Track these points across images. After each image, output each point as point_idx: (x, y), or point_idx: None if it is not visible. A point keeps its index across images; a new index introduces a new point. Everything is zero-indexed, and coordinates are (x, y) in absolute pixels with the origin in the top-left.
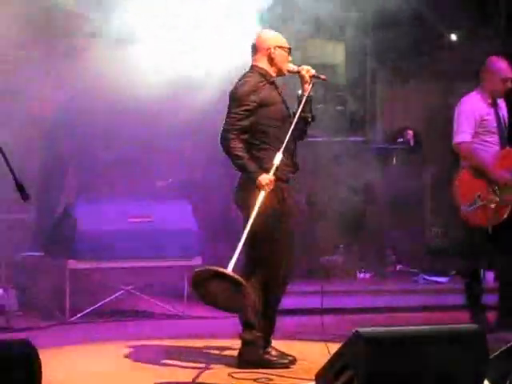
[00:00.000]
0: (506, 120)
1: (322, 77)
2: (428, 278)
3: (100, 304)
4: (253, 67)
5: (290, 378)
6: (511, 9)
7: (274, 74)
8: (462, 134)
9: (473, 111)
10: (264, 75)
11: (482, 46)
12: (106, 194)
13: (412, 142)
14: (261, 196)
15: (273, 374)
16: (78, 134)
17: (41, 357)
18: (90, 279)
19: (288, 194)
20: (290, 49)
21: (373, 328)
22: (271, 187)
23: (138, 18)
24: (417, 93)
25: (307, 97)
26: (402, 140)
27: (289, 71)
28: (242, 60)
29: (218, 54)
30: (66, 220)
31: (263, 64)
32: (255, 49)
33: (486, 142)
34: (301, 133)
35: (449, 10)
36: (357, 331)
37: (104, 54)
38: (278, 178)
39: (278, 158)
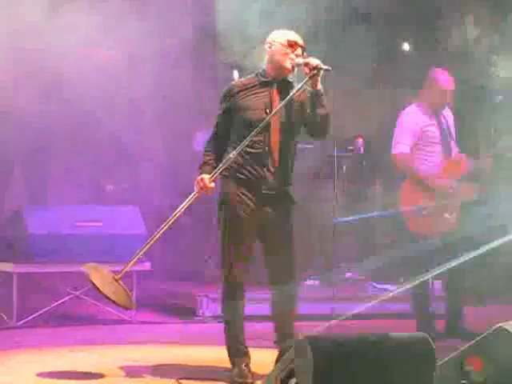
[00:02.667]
0: (452, 129)
1: (325, 67)
2: (377, 285)
3: (48, 308)
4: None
5: None
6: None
7: (272, 73)
8: (399, 145)
9: (412, 123)
10: (259, 76)
11: (433, 55)
12: (55, 198)
13: (362, 150)
14: (192, 196)
15: (220, 380)
16: (26, 138)
17: None
18: (38, 283)
19: (238, 197)
20: (296, 43)
21: (319, 335)
22: (201, 187)
23: None
24: (368, 101)
25: (311, 92)
26: (351, 148)
27: (293, 67)
28: None
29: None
30: (14, 224)
31: (265, 64)
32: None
33: (429, 152)
34: (310, 132)
35: (400, 20)
36: (302, 337)
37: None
38: (232, 180)
39: (226, 158)
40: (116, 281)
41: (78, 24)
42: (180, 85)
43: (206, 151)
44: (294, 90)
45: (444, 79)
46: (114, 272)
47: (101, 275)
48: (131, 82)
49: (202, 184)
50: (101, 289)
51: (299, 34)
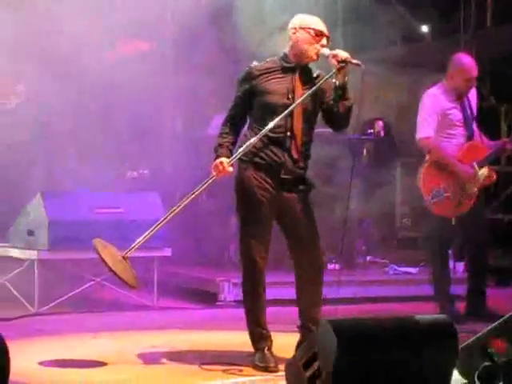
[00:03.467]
0: (474, 111)
1: (354, 61)
2: (398, 268)
3: (69, 295)
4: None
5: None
6: (480, 2)
7: (294, 59)
8: (424, 129)
9: (435, 106)
10: (281, 61)
11: (452, 38)
12: (75, 184)
13: (382, 133)
14: (209, 178)
15: (243, 365)
16: (45, 124)
17: (9, 348)
18: (59, 270)
19: (257, 181)
20: (322, 33)
21: (341, 318)
22: (220, 171)
23: None
24: (387, 84)
25: (336, 83)
26: (372, 131)
27: (318, 57)
28: None
29: None
30: (35, 210)
31: (287, 48)
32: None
33: (451, 134)
34: (331, 124)
35: (420, 3)
36: (325, 321)
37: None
38: (250, 164)
39: (248, 143)
40: (124, 259)
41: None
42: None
43: (221, 133)
44: (322, 81)
45: (469, 65)
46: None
47: (109, 252)
48: (150, 71)
49: (220, 168)
50: (110, 265)
51: (320, 17)
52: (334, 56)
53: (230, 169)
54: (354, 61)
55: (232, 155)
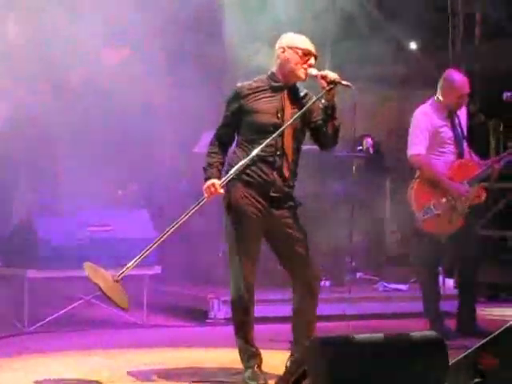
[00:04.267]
0: (464, 129)
1: (344, 83)
2: (388, 285)
3: (59, 313)
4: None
5: None
6: (469, 19)
7: (283, 79)
8: (416, 146)
9: (426, 123)
10: (269, 80)
11: (441, 55)
12: (65, 203)
13: (371, 150)
14: (201, 200)
15: (233, 383)
16: (33, 143)
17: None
18: (49, 289)
19: (246, 198)
20: (310, 52)
21: (331, 335)
22: (212, 192)
23: None
24: (377, 101)
25: (325, 104)
26: (361, 148)
27: (307, 76)
28: None
29: None
30: (25, 229)
31: (275, 67)
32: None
33: (442, 152)
34: (319, 143)
35: (408, 20)
36: (315, 338)
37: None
38: (240, 181)
39: (239, 164)
40: (116, 281)
41: (93, 21)
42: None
43: (210, 152)
44: (311, 102)
45: (461, 82)
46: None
47: (101, 276)
48: (138, 86)
49: (212, 189)
50: (103, 290)
51: (306, 34)
52: (323, 77)
53: (222, 190)
54: (344, 82)
55: (221, 174)
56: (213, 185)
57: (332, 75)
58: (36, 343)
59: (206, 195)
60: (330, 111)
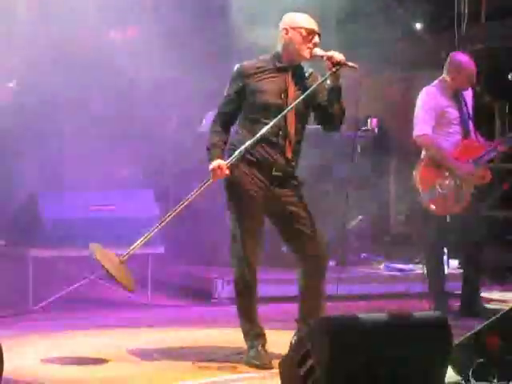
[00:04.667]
0: (470, 110)
1: (350, 64)
2: (391, 265)
3: (63, 292)
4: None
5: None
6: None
7: (287, 59)
8: (422, 126)
9: (433, 103)
10: (274, 60)
11: (445, 36)
12: (69, 182)
13: (376, 130)
14: (206, 181)
15: (237, 362)
16: (39, 122)
17: (3, 345)
18: (53, 268)
19: (248, 177)
20: (313, 31)
21: (334, 315)
22: (218, 174)
23: None
24: (381, 81)
25: (330, 85)
26: (366, 128)
27: (312, 56)
28: None
29: None
30: (29, 208)
31: (279, 47)
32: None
33: (448, 132)
34: (324, 124)
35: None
36: (319, 318)
37: None
38: (242, 160)
39: (244, 145)
40: (121, 263)
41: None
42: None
43: (213, 131)
44: (316, 84)
45: (468, 63)
46: (119, 254)
47: (107, 257)
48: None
49: (219, 172)
50: (110, 271)
51: (314, 15)
52: (329, 58)
53: (227, 172)
54: (350, 63)
55: (224, 154)
56: (219, 167)
57: (338, 56)
58: (40, 322)
59: (212, 177)
60: (335, 92)
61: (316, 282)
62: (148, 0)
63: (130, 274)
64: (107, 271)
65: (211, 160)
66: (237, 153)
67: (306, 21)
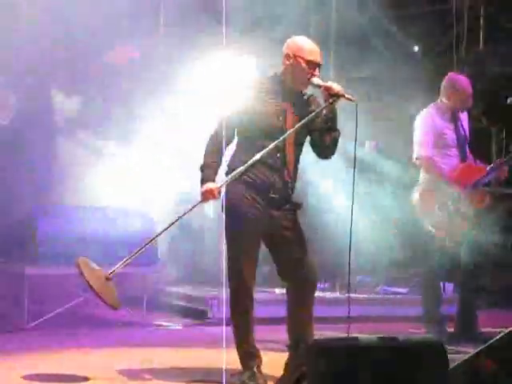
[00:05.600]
0: (467, 133)
1: (347, 96)
2: (388, 288)
3: (60, 310)
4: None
5: None
6: (473, 20)
7: (288, 84)
8: (422, 147)
9: (431, 125)
10: (274, 81)
11: (444, 58)
12: (66, 200)
13: (373, 153)
14: (197, 203)
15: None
16: (36, 137)
17: None
18: (49, 285)
19: (246, 199)
20: (316, 64)
21: (330, 338)
22: (208, 198)
23: None
24: (378, 104)
25: (326, 115)
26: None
27: (311, 85)
28: None
29: None
30: (25, 225)
31: (281, 70)
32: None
33: (447, 155)
34: (316, 151)
35: (409, 23)
36: (315, 340)
37: None
38: (239, 182)
39: (237, 170)
40: (108, 279)
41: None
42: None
43: (208, 152)
44: (313, 114)
45: (465, 83)
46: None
47: (93, 271)
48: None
49: (210, 196)
50: (91, 285)
51: (310, 37)
52: (327, 89)
53: (218, 195)
54: (347, 96)
55: (216, 175)
56: (210, 190)
57: (335, 87)
58: (35, 340)
59: (202, 198)
60: (330, 122)
61: (303, 305)
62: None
63: (115, 290)
64: (90, 286)
65: (203, 182)
66: (229, 178)
67: (310, 51)
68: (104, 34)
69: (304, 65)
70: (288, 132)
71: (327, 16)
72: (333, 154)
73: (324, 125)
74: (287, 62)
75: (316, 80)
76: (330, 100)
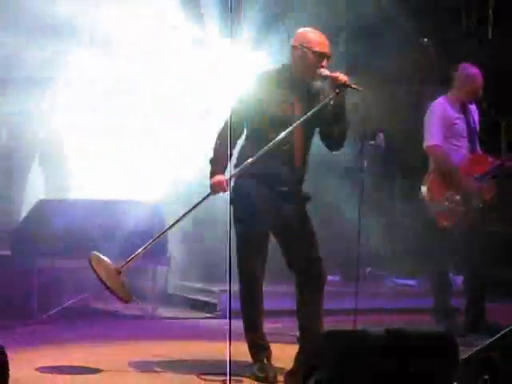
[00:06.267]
0: (477, 124)
1: (353, 86)
2: (398, 280)
3: (69, 303)
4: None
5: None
6: (482, 12)
7: (296, 74)
8: (433, 137)
9: (442, 115)
10: (284, 73)
11: (454, 51)
12: (77, 193)
13: (383, 145)
14: (206, 196)
15: (242, 375)
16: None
17: (8, 355)
18: (59, 278)
19: (255, 192)
20: (324, 55)
21: (340, 330)
22: (218, 190)
23: None
24: (389, 95)
25: (333, 106)
26: (373, 143)
27: (318, 76)
28: None
29: None
30: (35, 219)
31: (291, 61)
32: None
33: (455, 145)
34: (325, 141)
35: (419, 14)
36: (324, 333)
37: None
38: (248, 175)
39: (247, 162)
40: (118, 273)
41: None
42: None
43: (218, 144)
44: (320, 105)
45: (475, 75)
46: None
47: (104, 267)
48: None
49: (219, 188)
50: (104, 280)
51: (322, 31)
52: (334, 79)
53: (227, 188)
54: (353, 85)
55: (226, 169)
56: (219, 182)
57: (342, 78)
58: (45, 332)
59: (212, 190)
60: (337, 113)
61: (312, 298)
62: None
63: (126, 284)
64: (102, 281)
65: (212, 175)
66: (237, 170)
67: (319, 43)
68: None
69: (312, 56)
70: (295, 123)
71: (336, 9)
72: (342, 145)
73: (332, 116)
74: (295, 54)
75: (323, 71)
76: (337, 90)
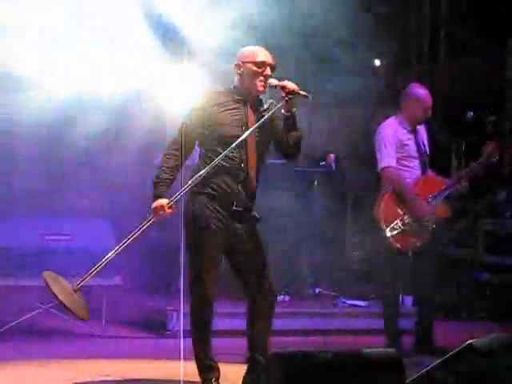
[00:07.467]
0: (426, 146)
1: (302, 93)
2: (347, 301)
3: (16, 322)
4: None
5: None
6: (433, 34)
7: (244, 93)
8: (387, 158)
9: (393, 136)
10: (233, 93)
11: (405, 72)
12: (24, 210)
13: (334, 166)
14: (149, 220)
15: None
16: None
17: None
18: (7, 297)
19: (209, 211)
20: (264, 63)
21: (289, 351)
22: (160, 214)
23: None
24: (339, 117)
25: (285, 114)
26: (323, 164)
27: (266, 87)
28: None
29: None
30: None
31: (236, 81)
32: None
33: (407, 167)
34: (282, 153)
35: (372, 37)
36: (273, 353)
37: None
38: (202, 194)
39: (197, 175)
40: (75, 291)
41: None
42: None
43: (163, 166)
44: (269, 113)
45: (425, 95)
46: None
47: (60, 285)
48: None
49: (161, 212)
50: (61, 299)
51: (269, 49)
52: (283, 87)
53: (169, 210)
54: (302, 92)
55: (169, 191)
56: (161, 206)
57: (290, 85)
58: None
59: (154, 216)
60: (290, 121)
61: (263, 319)
62: None
63: (84, 302)
64: (58, 299)
65: (154, 197)
66: (181, 190)
67: (256, 54)
68: None
69: (254, 68)
70: (246, 133)
71: (290, 29)
72: (298, 153)
73: (284, 125)
74: (238, 71)
75: (272, 80)
76: (286, 98)
